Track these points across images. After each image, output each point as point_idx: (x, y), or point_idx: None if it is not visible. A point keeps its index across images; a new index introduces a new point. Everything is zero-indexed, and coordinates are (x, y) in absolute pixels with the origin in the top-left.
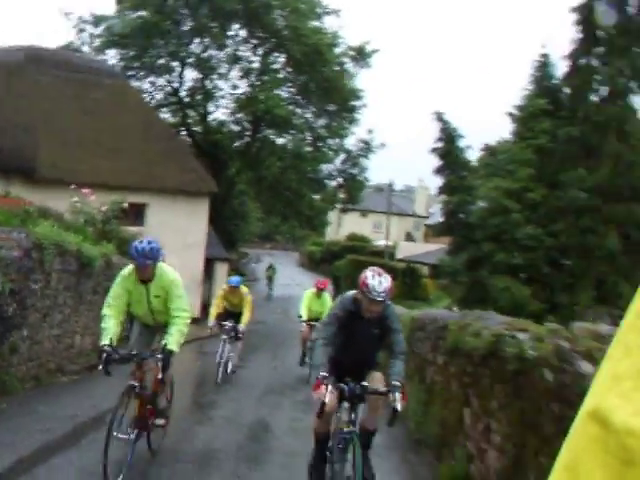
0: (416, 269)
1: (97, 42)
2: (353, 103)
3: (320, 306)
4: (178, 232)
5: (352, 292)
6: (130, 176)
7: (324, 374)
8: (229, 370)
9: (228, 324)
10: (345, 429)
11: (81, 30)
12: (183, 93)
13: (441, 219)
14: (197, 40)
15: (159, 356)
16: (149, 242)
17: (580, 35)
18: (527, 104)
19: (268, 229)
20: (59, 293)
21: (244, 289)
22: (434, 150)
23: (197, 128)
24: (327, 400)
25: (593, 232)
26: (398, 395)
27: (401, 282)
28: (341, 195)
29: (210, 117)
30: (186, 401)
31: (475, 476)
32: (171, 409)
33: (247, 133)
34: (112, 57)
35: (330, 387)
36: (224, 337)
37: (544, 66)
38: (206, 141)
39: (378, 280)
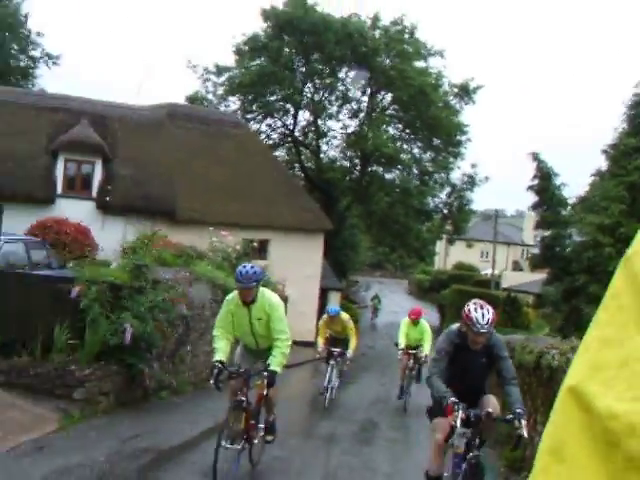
0: (517, 298)
1: (220, 90)
2: (458, 138)
3: (418, 334)
4: (297, 265)
5: (456, 325)
6: (255, 216)
7: (454, 399)
8: (334, 394)
9: (337, 350)
10: (470, 454)
11: (206, 80)
12: (297, 133)
13: (538, 251)
14: (309, 84)
15: (265, 374)
16: (252, 267)
17: None
18: (620, 142)
19: (378, 258)
20: (210, 317)
21: (345, 316)
22: (530, 187)
23: (310, 164)
24: (459, 423)
25: None
26: (524, 422)
27: (502, 311)
28: (447, 227)
29: (322, 155)
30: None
31: (529, 458)
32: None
33: (356, 169)
34: (233, 103)
35: (462, 413)
36: (332, 362)
37: (637, 105)
38: (319, 177)
39: (481, 313)
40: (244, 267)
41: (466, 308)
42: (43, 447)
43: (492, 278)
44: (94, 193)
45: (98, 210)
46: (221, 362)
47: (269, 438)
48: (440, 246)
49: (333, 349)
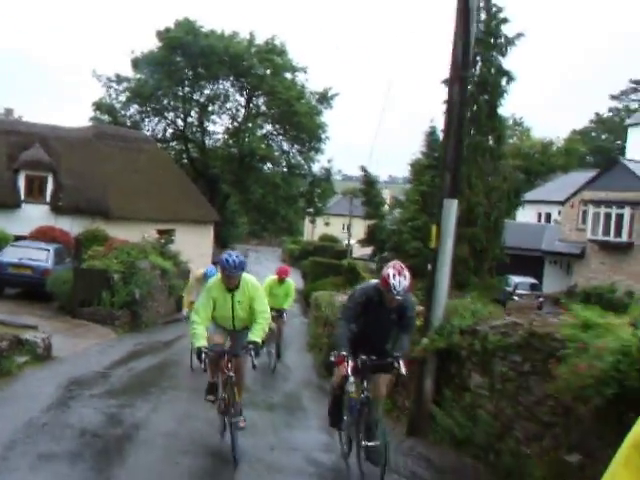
0: (356, 266)
1: (122, 97)
2: (321, 135)
3: (283, 293)
4: (195, 247)
5: (374, 281)
6: (165, 212)
7: (345, 353)
8: None
9: None
10: (361, 396)
11: (109, 87)
12: (186, 131)
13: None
14: (197, 93)
15: (250, 346)
16: (237, 256)
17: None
18: (416, 161)
19: (255, 228)
20: (160, 286)
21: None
22: (360, 191)
23: (196, 155)
24: (349, 372)
25: (454, 245)
26: (401, 362)
27: (344, 276)
28: (309, 209)
29: (206, 148)
30: None
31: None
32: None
33: (235, 164)
34: (133, 108)
35: (352, 362)
36: None
37: (431, 134)
38: (204, 167)
39: (399, 280)
40: (230, 256)
41: (385, 272)
42: (113, 345)
43: (347, 248)
44: (48, 199)
45: (51, 212)
46: (205, 347)
47: (241, 424)
48: (307, 222)
49: None
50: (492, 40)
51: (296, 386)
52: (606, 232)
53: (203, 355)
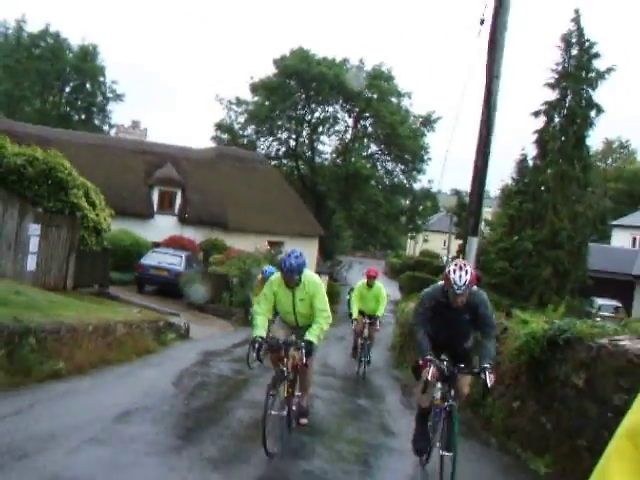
0: None
1: (240, 118)
2: (423, 155)
3: (374, 298)
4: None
5: (440, 283)
6: (275, 225)
7: (429, 357)
8: None
9: None
10: (445, 404)
11: (229, 109)
12: (298, 149)
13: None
14: (309, 115)
15: (302, 343)
16: (296, 257)
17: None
18: (506, 186)
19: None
20: None
21: None
22: (454, 213)
23: (305, 172)
24: (430, 377)
25: (537, 266)
26: (488, 374)
27: None
28: (410, 226)
29: (316, 166)
30: None
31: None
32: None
33: (341, 182)
34: (251, 129)
35: (434, 368)
36: None
37: (522, 161)
38: (312, 184)
39: (459, 275)
40: (289, 257)
41: (447, 268)
42: (232, 333)
43: (446, 264)
44: (176, 211)
45: (179, 222)
46: (261, 337)
47: (303, 421)
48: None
49: None
50: (583, 74)
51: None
52: None
53: (257, 345)
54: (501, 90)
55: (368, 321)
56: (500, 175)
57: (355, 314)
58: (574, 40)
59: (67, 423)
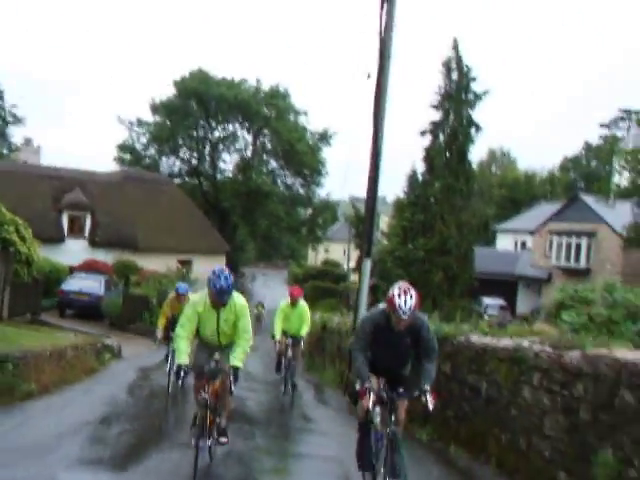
0: (350, 290)
1: (143, 139)
2: (320, 170)
3: (297, 318)
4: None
5: (381, 306)
6: (183, 244)
7: (367, 385)
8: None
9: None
10: (387, 429)
11: (131, 130)
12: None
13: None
14: (209, 133)
15: (230, 370)
16: (225, 278)
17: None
18: (398, 200)
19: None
20: None
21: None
22: (351, 224)
23: (208, 189)
24: (370, 405)
25: (429, 272)
26: (429, 397)
27: (339, 299)
28: (311, 237)
29: (218, 183)
30: None
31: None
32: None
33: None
34: (153, 148)
35: (373, 395)
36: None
37: (412, 176)
38: (215, 200)
39: (404, 299)
40: (219, 278)
41: (390, 292)
42: (156, 351)
43: (347, 272)
44: (86, 234)
45: (89, 245)
46: (186, 365)
47: (223, 440)
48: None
49: None
50: (463, 96)
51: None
52: (567, 259)
53: (182, 373)
54: (392, 110)
55: (291, 342)
56: (394, 187)
57: (278, 335)
58: (454, 66)
59: (66, 429)
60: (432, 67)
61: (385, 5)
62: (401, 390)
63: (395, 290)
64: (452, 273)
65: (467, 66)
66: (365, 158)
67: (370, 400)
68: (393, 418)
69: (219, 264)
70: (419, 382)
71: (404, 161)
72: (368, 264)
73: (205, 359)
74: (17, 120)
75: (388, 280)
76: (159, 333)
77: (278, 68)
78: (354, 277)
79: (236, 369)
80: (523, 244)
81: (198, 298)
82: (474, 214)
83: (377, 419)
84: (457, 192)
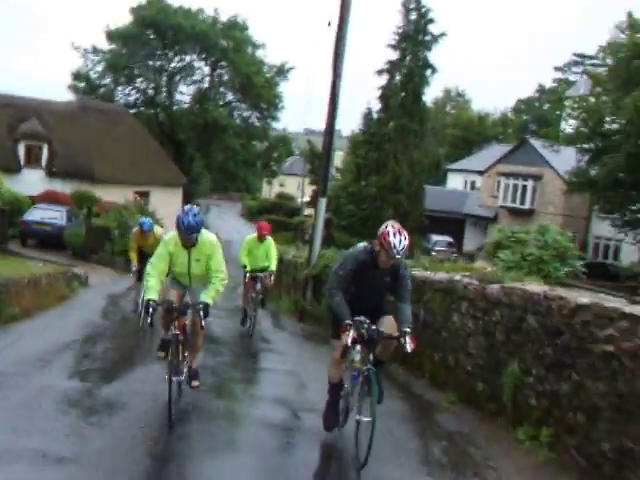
0: (304, 223)
1: (98, 67)
2: (277, 104)
3: (264, 252)
4: (166, 206)
5: (364, 244)
6: (140, 176)
7: (349, 321)
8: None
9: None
10: (363, 367)
11: (85, 58)
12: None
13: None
14: (165, 63)
15: (200, 305)
16: (194, 215)
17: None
18: (354, 136)
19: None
20: None
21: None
22: (306, 159)
23: (165, 120)
24: (349, 342)
25: (381, 209)
26: (408, 339)
27: (294, 232)
28: (265, 171)
29: (174, 113)
30: None
31: None
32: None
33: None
34: (108, 78)
35: (354, 332)
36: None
37: (367, 115)
38: (171, 132)
39: (399, 239)
40: (186, 215)
41: (384, 229)
42: (119, 279)
43: (301, 206)
44: (43, 164)
45: (47, 176)
46: (154, 301)
47: (195, 384)
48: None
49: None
50: (420, 37)
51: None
52: (513, 200)
53: (151, 309)
54: (352, 47)
55: (260, 275)
56: (350, 122)
57: (248, 266)
58: (412, 6)
59: (56, 347)
60: (392, 7)
61: None
62: (381, 329)
63: (389, 228)
64: (403, 210)
65: (425, 7)
66: (322, 94)
67: (350, 336)
68: (371, 357)
69: (176, 197)
70: (398, 323)
71: (361, 98)
72: (323, 203)
73: (175, 295)
74: None
75: (341, 215)
76: (134, 266)
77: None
78: (308, 211)
79: (206, 305)
80: (473, 184)
81: (169, 237)
82: (426, 154)
83: (357, 357)
84: (411, 132)
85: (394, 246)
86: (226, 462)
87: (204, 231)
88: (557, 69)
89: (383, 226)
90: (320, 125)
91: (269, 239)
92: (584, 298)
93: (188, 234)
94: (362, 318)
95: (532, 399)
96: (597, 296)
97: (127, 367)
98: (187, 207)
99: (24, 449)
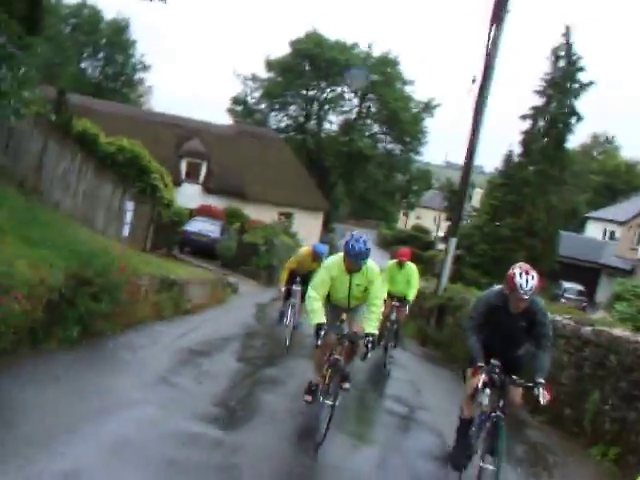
0: (435, 257)
1: (256, 93)
2: (420, 139)
3: (404, 279)
4: (308, 228)
5: (498, 287)
6: (286, 198)
7: (481, 364)
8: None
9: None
10: (492, 413)
11: (245, 85)
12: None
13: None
14: (318, 93)
15: (369, 338)
16: (364, 242)
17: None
18: (492, 178)
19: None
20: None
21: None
22: (445, 199)
23: (312, 147)
24: (480, 385)
25: (514, 250)
26: (542, 391)
27: (425, 265)
28: (404, 202)
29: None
30: None
31: None
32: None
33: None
34: (264, 104)
35: (485, 375)
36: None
37: (508, 157)
38: (318, 158)
39: (525, 279)
40: (357, 242)
41: (511, 272)
42: (264, 290)
43: (435, 240)
44: (201, 180)
45: (203, 191)
46: (324, 323)
47: (346, 386)
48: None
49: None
50: (568, 84)
51: None
52: None
53: (322, 332)
54: (497, 92)
55: (397, 304)
56: (493, 160)
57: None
58: (562, 53)
59: (224, 336)
60: (541, 54)
61: (494, 26)
62: (514, 377)
63: (516, 269)
64: (535, 254)
65: (576, 55)
66: (465, 129)
67: (481, 380)
68: (502, 403)
69: (317, 220)
70: (533, 372)
71: (504, 141)
72: (453, 243)
73: (333, 321)
74: (144, 68)
75: (473, 253)
76: (282, 287)
77: (390, 35)
78: (441, 246)
79: (372, 336)
80: (612, 234)
81: (332, 262)
82: (564, 200)
83: (485, 400)
84: (550, 178)
85: (521, 286)
86: (359, 429)
87: (369, 260)
88: None
89: (511, 268)
90: (461, 159)
91: (410, 265)
92: None
93: (357, 260)
94: (496, 362)
95: (607, 424)
96: None
97: (281, 358)
98: (356, 234)
99: (213, 401)
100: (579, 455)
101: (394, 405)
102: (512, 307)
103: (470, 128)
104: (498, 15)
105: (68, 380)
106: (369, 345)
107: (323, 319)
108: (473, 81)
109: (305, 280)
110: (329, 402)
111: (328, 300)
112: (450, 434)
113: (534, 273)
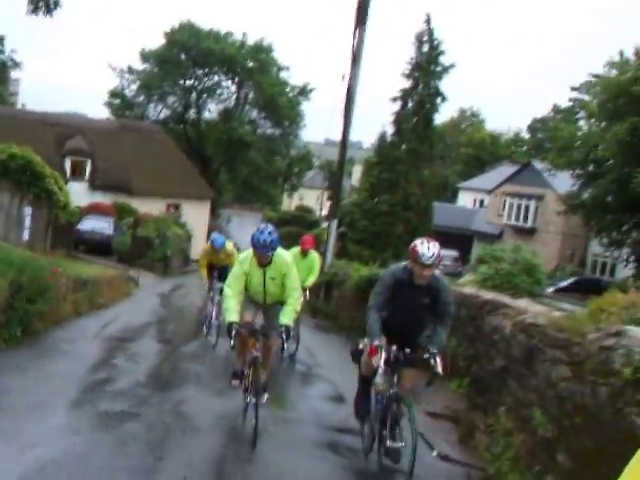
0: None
1: (133, 86)
2: (298, 123)
3: (307, 267)
4: (196, 218)
5: (403, 263)
6: (172, 190)
7: (379, 342)
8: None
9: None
10: (389, 391)
11: (122, 77)
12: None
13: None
14: (196, 82)
15: (282, 329)
16: (269, 233)
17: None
18: (369, 158)
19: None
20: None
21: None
22: (328, 186)
23: (193, 136)
24: (381, 364)
25: (392, 224)
26: (438, 360)
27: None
28: (286, 184)
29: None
30: None
31: None
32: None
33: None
34: (141, 95)
35: (383, 354)
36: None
37: (382, 137)
38: (199, 147)
39: (427, 246)
40: (262, 233)
41: (412, 244)
42: (161, 281)
43: (319, 219)
44: (87, 178)
45: (89, 189)
46: (237, 323)
47: (264, 398)
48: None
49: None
50: (432, 67)
51: None
52: (517, 219)
53: (234, 331)
54: (368, 79)
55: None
56: (371, 137)
57: None
58: (425, 39)
59: (140, 325)
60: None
61: (358, 28)
62: (408, 351)
63: (417, 241)
64: (412, 226)
65: (437, 40)
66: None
67: (381, 359)
68: (396, 379)
69: (204, 209)
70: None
71: (378, 122)
72: (334, 223)
73: (251, 316)
74: (16, 65)
75: (355, 229)
76: (206, 284)
77: (264, 24)
78: (326, 224)
79: (287, 328)
80: (482, 202)
81: (244, 256)
82: (435, 174)
83: (380, 380)
84: (421, 155)
85: (423, 254)
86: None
87: (279, 249)
88: (573, 89)
89: (412, 243)
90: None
91: (314, 254)
92: (488, 295)
93: (264, 252)
94: (384, 341)
95: (460, 361)
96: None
97: (195, 337)
98: (262, 225)
99: (150, 373)
100: (440, 387)
101: (296, 365)
102: (417, 279)
103: (343, 121)
104: (361, 20)
105: (29, 369)
106: (284, 336)
107: (235, 317)
108: (342, 77)
109: (223, 275)
110: (254, 400)
111: (248, 297)
112: (341, 384)
113: (435, 243)
